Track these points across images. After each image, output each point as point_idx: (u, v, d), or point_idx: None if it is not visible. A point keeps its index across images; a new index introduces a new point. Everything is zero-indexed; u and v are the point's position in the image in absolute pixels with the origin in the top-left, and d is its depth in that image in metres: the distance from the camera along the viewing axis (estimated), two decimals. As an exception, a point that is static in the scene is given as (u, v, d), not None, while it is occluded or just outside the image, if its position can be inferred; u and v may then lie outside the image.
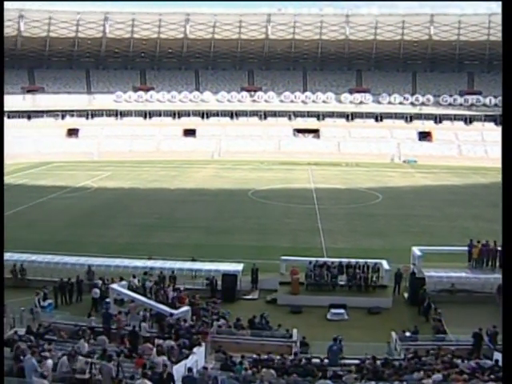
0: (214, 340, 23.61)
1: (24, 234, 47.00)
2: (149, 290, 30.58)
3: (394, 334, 24.96)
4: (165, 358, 18.61)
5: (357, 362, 20.42)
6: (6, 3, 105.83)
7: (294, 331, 25.08)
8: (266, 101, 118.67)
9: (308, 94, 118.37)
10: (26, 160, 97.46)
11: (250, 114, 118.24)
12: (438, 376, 17.67)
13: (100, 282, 31.96)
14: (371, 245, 43.31)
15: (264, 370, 18.66)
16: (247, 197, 65.09)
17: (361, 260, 33.25)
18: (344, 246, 42.64)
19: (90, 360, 17.93)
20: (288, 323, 26.34)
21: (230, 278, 32.15)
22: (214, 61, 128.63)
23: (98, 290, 31.01)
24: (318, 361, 20.57)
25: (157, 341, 21.38)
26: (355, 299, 30.80)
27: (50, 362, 17.37)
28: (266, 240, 45.39)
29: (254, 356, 20.68)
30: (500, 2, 69.75)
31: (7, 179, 77.88)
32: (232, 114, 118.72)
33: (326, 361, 20.82)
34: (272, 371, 18.46)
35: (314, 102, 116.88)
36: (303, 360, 20.36)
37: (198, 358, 19.89)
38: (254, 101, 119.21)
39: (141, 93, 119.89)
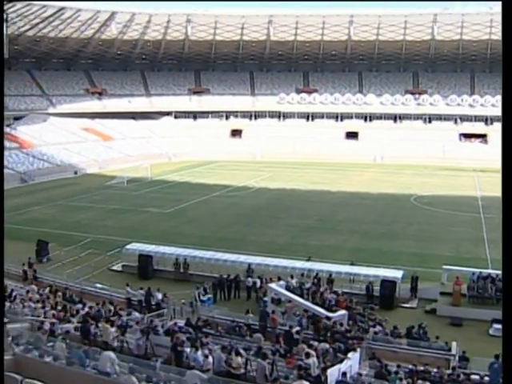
0: (369, 346, 23.27)
1: (187, 230, 49.42)
2: (306, 292, 30.75)
3: None
4: (315, 359, 18.63)
5: (520, 383, 19.25)
6: (174, 9, 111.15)
7: (453, 344, 24.09)
8: (431, 104, 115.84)
9: (476, 97, 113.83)
10: (191, 158, 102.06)
11: (414, 118, 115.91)
12: None
13: (258, 280, 32.76)
14: (541, 258, 40.73)
15: (420, 381, 18.18)
16: (409, 202, 63.67)
17: (529, 274, 31.30)
18: (511, 258, 40.44)
19: (245, 356, 18.33)
20: (447, 335, 25.39)
21: (388, 284, 31.54)
22: (377, 63, 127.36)
23: (250, 279, 32.86)
24: (477, 377, 19.66)
25: (312, 343, 21.44)
26: (521, 315, 29.09)
27: (211, 359, 17.99)
28: (428, 248, 44.05)
29: (410, 366, 20.13)
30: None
31: (173, 176, 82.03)
32: (395, 118, 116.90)
33: (487, 378, 19.80)
34: (428, 384, 17.96)
35: (481, 105, 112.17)
36: (461, 375, 19.48)
37: (352, 363, 19.65)
38: (418, 104, 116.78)
39: (304, 95, 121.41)
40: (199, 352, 18.22)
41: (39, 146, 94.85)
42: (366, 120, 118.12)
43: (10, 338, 18.09)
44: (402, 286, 32.36)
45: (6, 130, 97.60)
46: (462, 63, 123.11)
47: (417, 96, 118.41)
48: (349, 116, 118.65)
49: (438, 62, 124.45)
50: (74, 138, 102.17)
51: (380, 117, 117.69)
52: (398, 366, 19.69)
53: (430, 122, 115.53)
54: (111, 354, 16.55)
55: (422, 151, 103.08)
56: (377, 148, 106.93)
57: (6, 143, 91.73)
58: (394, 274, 32.47)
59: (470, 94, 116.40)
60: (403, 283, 32.45)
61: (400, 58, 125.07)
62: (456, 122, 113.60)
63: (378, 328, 25.69)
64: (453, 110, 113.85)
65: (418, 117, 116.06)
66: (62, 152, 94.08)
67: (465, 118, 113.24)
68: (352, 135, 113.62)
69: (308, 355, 18.65)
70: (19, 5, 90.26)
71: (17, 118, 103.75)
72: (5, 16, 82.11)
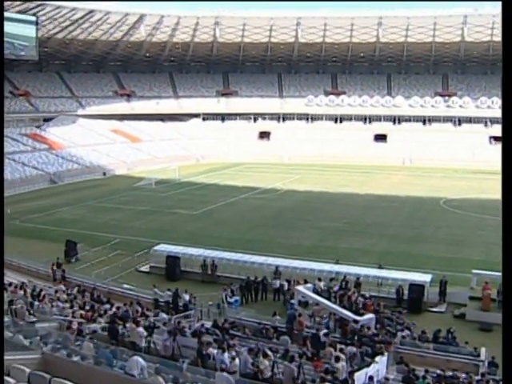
0: (397, 351, 23.03)
1: (215, 231, 49.49)
2: (334, 295, 30.59)
3: None
4: (344, 363, 18.47)
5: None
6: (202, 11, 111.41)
7: (482, 350, 23.75)
8: (460, 106, 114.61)
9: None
10: (219, 160, 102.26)
11: (443, 120, 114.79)
12: None
13: (286, 283, 32.69)
14: None
15: (448, 387, 17.96)
16: (439, 205, 63.04)
17: (560, 279, 30.71)
18: (542, 263, 39.80)
19: (272, 359, 18.24)
20: (476, 341, 25.04)
21: (417, 288, 31.28)
22: (406, 65, 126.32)
23: (277, 282, 32.90)
24: (507, 384, 19.34)
25: (339, 346, 21.28)
26: (553, 321, 28.55)
27: (237, 361, 17.93)
28: (457, 252, 43.62)
29: (438, 372, 19.87)
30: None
31: (201, 178, 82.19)
32: (425, 120, 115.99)
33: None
34: (457, 389, 17.70)
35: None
36: (491, 382, 19.20)
37: (379, 367, 19.48)
38: (448, 106, 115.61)
39: (332, 97, 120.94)
40: (226, 354, 18.18)
41: (68, 147, 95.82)
42: (394, 122, 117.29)
43: (38, 337, 18.25)
44: (431, 290, 32.04)
45: (36, 131, 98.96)
46: (492, 65, 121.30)
47: (446, 98, 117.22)
48: (377, 118, 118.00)
49: (468, 63, 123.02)
50: (102, 140, 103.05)
51: (409, 119, 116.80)
52: (426, 371, 19.46)
53: (459, 124, 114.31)
54: (140, 360, 16.50)
55: (452, 154, 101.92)
56: (405, 150, 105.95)
57: (36, 144, 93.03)
58: (423, 277, 32.19)
59: (500, 96, 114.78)
60: (432, 287, 32.14)
61: (429, 60, 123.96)
62: (486, 124, 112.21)
63: (406, 332, 25.42)
64: (483, 113, 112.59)
65: (447, 119, 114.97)
66: (90, 153, 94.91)
67: (495, 121, 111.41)
68: (380, 138, 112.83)
69: (338, 359, 18.51)
70: (49, 8, 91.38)
71: (46, 120, 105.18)
72: (35, 19, 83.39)
